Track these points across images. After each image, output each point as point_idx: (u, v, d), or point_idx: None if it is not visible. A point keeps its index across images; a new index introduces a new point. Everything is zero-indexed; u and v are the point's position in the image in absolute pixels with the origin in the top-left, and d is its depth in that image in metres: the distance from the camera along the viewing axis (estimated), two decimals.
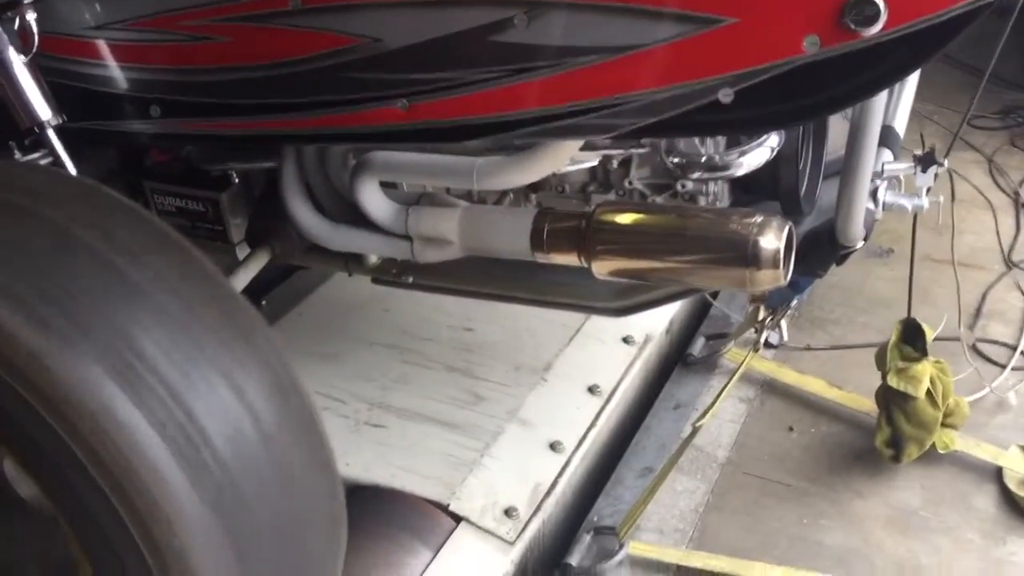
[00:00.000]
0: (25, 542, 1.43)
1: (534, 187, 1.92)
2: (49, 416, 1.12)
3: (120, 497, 1.12)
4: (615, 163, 1.86)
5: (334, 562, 1.38)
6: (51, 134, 1.58)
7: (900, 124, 2.02)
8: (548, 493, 2.13)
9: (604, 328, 2.55)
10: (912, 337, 2.23)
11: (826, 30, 1.20)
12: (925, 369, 2.18)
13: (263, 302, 2.64)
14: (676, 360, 2.73)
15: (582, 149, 1.71)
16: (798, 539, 2.13)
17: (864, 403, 2.43)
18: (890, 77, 1.24)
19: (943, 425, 2.25)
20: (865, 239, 1.72)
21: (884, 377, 2.22)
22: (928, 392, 2.17)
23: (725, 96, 1.29)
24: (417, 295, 2.10)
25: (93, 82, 1.63)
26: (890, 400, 2.22)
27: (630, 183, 1.86)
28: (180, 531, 1.13)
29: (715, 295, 2.83)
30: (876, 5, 1.16)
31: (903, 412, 2.20)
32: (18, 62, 1.56)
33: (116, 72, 1.63)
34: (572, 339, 2.52)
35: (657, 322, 2.63)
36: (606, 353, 2.51)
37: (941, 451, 2.25)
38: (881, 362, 2.24)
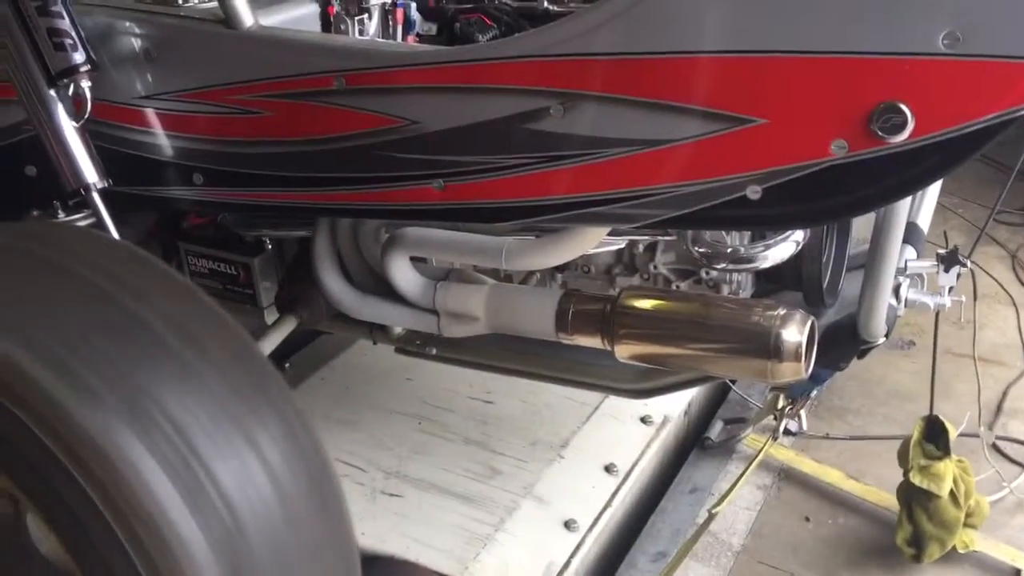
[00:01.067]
0: None
1: (560, 267, 1.96)
2: (76, 471, 1.14)
3: (141, 556, 1.14)
4: (641, 247, 1.89)
5: None
6: (96, 197, 1.63)
7: (924, 221, 2.04)
8: (561, 572, 2.12)
9: (622, 407, 2.56)
10: (935, 435, 2.21)
11: (854, 135, 1.23)
12: (948, 468, 2.17)
13: (287, 365, 2.67)
14: (693, 442, 2.72)
15: (610, 234, 1.74)
16: None
17: (883, 497, 2.42)
18: (917, 183, 1.27)
19: (964, 525, 2.22)
20: (887, 335, 1.73)
21: (906, 474, 2.21)
22: (951, 491, 2.16)
23: (753, 193, 1.32)
24: (439, 365, 2.12)
25: (140, 149, 1.69)
26: (912, 498, 2.20)
27: (655, 267, 1.89)
28: None
29: (735, 380, 2.83)
30: (904, 114, 1.19)
31: (925, 511, 2.18)
32: (69, 127, 1.62)
33: (163, 140, 1.68)
34: (590, 417, 2.53)
35: (675, 404, 2.64)
36: (624, 432, 2.52)
37: (961, 551, 2.23)
38: (903, 459, 2.22)
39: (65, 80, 1.59)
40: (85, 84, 1.60)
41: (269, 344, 2.00)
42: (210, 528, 1.14)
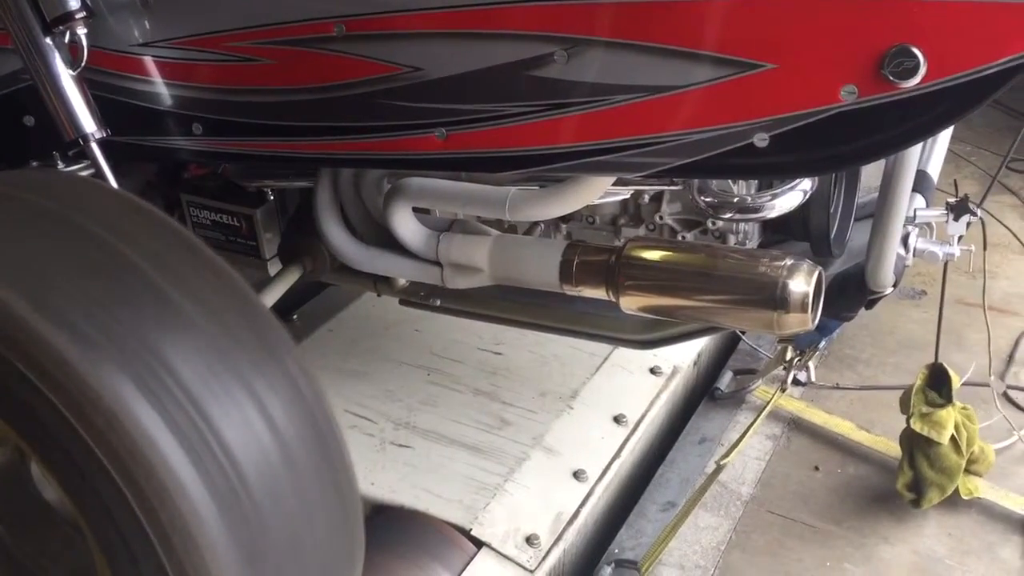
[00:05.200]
0: (48, 548, 1.45)
1: (565, 217, 1.93)
2: (76, 421, 1.14)
3: (141, 503, 1.14)
4: (646, 197, 1.87)
5: None
6: (95, 147, 1.60)
7: (934, 169, 2.01)
8: (570, 522, 2.13)
9: (631, 358, 2.55)
10: (938, 382, 2.21)
11: (864, 80, 1.20)
12: (950, 415, 2.17)
13: (294, 317, 2.67)
14: (703, 393, 2.72)
15: (615, 183, 1.72)
16: None
17: (892, 447, 2.41)
18: (928, 129, 1.23)
19: (967, 472, 2.23)
20: (895, 285, 1.71)
21: (908, 421, 2.21)
22: (952, 438, 2.16)
23: (760, 141, 1.29)
24: (448, 316, 2.11)
25: (138, 98, 1.66)
26: (913, 444, 2.21)
27: (660, 218, 1.87)
28: (197, 536, 1.14)
29: (743, 330, 2.81)
30: (916, 58, 1.16)
31: (926, 457, 2.18)
32: (66, 75, 1.59)
33: (161, 89, 1.65)
34: (599, 367, 2.52)
35: (685, 354, 2.63)
36: (633, 383, 2.51)
37: (965, 497, 2.23)
38: (905, 406, 2.23)
39: (61, 27, 1.56)
40: (81, 31, 1.57)
41: (272, 296, 1.98)
42: (210, 476, 1.14)
